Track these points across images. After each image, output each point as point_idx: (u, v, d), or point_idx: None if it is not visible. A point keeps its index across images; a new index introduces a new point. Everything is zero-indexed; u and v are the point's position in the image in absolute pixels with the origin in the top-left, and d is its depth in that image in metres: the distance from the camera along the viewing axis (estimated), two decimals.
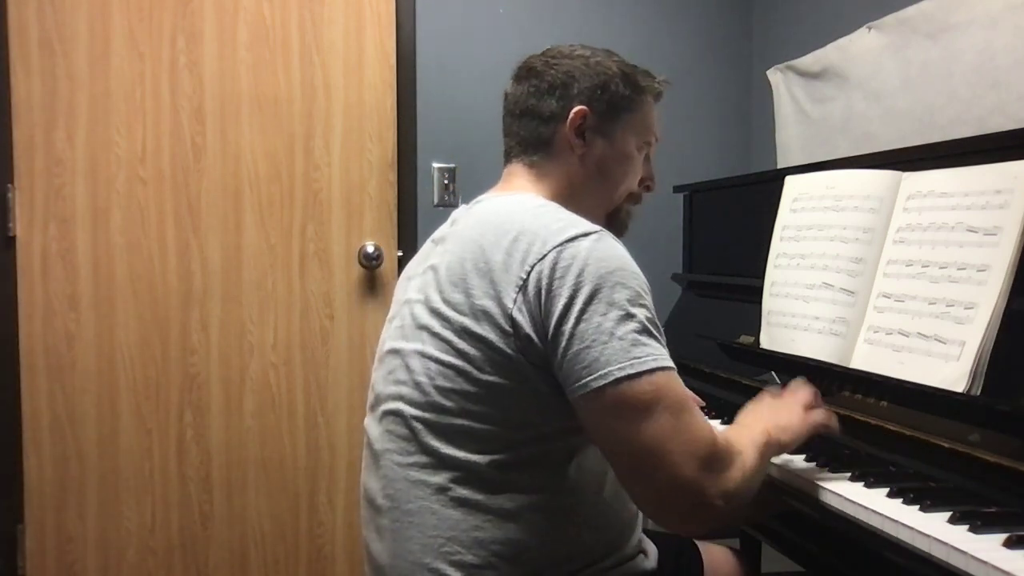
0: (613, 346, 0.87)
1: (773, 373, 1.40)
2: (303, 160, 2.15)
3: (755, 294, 1.48)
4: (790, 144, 2.35)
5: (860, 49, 2.05)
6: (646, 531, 1.13)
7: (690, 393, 0.93)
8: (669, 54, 2.54)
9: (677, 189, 2.03)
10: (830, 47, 2.16)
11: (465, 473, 0.93)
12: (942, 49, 1.78)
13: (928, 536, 0.84)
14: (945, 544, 0.82)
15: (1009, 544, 0.80)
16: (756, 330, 1.45)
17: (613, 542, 1.02)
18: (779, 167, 2.33)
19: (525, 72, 1.12)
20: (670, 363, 0.89)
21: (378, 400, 1.05)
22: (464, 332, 0.93)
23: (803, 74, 2.29)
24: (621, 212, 1.16)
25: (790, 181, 1.48)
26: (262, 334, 2.14)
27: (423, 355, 0.97)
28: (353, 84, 2.17)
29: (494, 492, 0.93)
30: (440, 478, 0.94)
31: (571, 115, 1.07)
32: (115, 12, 2.01)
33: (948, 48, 1.76)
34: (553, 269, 0.90)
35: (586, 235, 0.92)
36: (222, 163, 2.10)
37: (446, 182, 2.34)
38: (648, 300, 0.92)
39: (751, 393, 1.43)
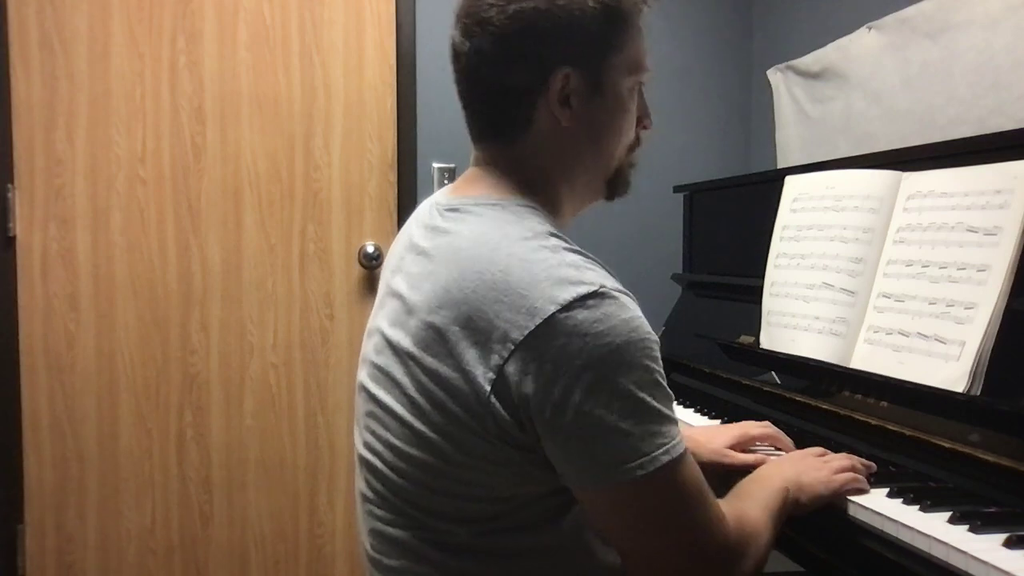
0: (619, 444, 0.75)
1: (773, 373, 1.40)
2: (303, 160, 2.15)
3: (755, 294, 1.48)
4: (790, 144, 2.35)
5: (860, 49, 2.04)
6: None
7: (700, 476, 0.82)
8: (669, 54, 2.54)
9: (677, 189, 2.03)
10: (830, 47, 2.16)
11: (446, 540, 0.84)
12: (942, 49, 1.78)
13: (928, 536, 0.84)
14: (945, 544, 0.82)
15: (1009, 544, 0.80)
16: (756, 330, 1.45)
17: None
18: (779, 167, 2.33)
19: (476, 24, 0.87)
20: (682, 446, 0.78)
21: (358, 422, 0.95)
22: (435, 403, 0.80)
23: (803, 74, 2.29)
24: (624, 170, 0.97)
25: (790, 181, 1.48)
26: (262, 334, 2.14)
27: (396, 417, 0.84)
28: (353, 84, 2.17)
29: (477, 560, 0.84)
30: (420, 543, 0.85)
31: (551, 84, 0.86)
32: (115, 12, 2.01)
33: (948, 48, 1.76)
34: (544, 351, 0.74)
35: (582, 301, 0.75)
36: (222, 163, 2.10)
37: (446, 182, 2.33)
38: (657, 364, 0.78)
39: (751, 393, 1.44)
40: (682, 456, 0.78)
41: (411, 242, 0.92)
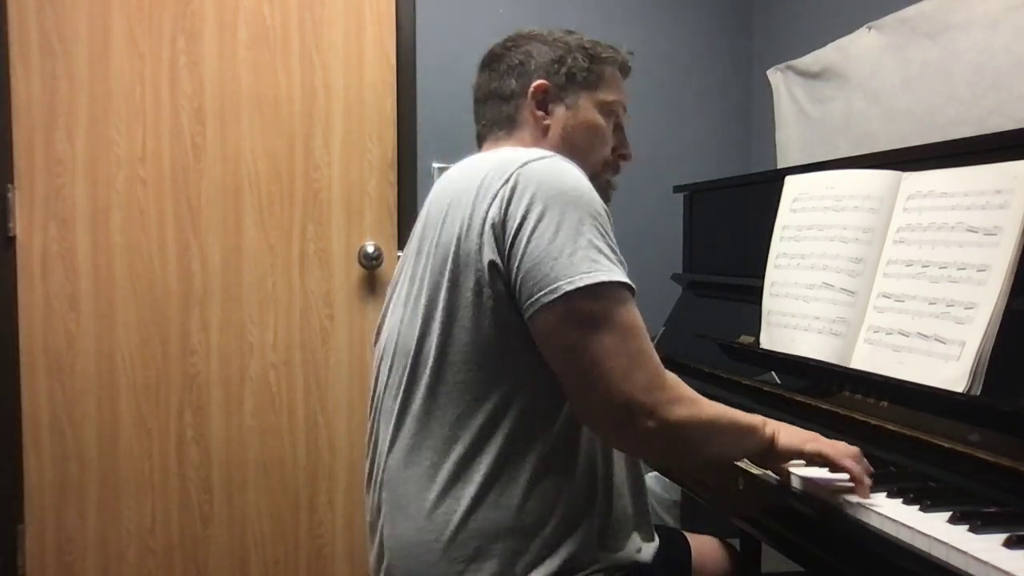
0: (562, 262, 0.90)
1: (773, 373, 1.41)
2: (303, 160, 2.15)
3: (755, 294, 1.48)
4: (790, 144, 2.35)
5: (860, 49, 2.05)
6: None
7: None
8: (669, 54, 2.54)
9: (677, 189, 2.03)
10: (830, 47, 2.16)
11: (463, 448, 0.97)
12: (942, 49, 1.78)
13: (928, 536, 0.84)
14: (945, 544, 0.82)
15: (1009, 544, 0.80)
16: (756, 330, 1.45)
17: (607, 528, 1.03)
18: (779, 167, 2.33)
19: (488, 59, 1.19)
20: (623, 280, 0.92)
21: (384, 350, 1.10)
22: (453, 285, 0.97)
23: (803, 74, 2.29)
24: (601, 183, 1.17)
25: (790, 181, 1.48)
26: (262, 334, 2.14)
27: (409, 299, 1.04)
28: (353, 84, 2.17)
29: (491, 478, 0.96)
30: (458, 429, 0.97)
31: (531, 89, 1.13)
32: (115, 12, 2.01)
33: (948, 48, 1.76)
34: (512, 192, 0.94)
35: (541, 158, 0.97)
36: (222, 163, 2.10)
37: None
38: (601, 223, 0.94)
39: (751, 393, 1.44)
40: (623, 287, 0.92)
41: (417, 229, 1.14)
